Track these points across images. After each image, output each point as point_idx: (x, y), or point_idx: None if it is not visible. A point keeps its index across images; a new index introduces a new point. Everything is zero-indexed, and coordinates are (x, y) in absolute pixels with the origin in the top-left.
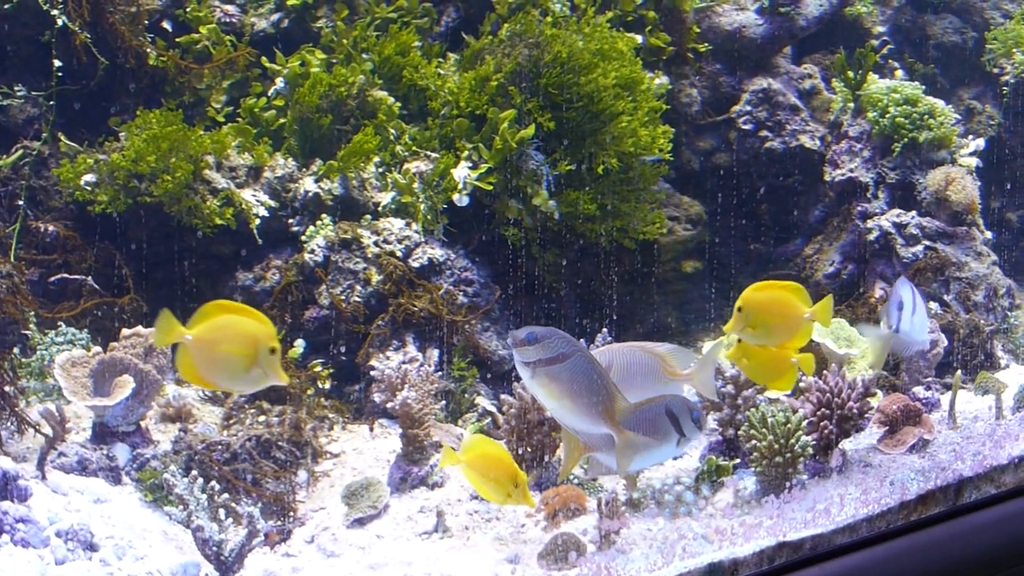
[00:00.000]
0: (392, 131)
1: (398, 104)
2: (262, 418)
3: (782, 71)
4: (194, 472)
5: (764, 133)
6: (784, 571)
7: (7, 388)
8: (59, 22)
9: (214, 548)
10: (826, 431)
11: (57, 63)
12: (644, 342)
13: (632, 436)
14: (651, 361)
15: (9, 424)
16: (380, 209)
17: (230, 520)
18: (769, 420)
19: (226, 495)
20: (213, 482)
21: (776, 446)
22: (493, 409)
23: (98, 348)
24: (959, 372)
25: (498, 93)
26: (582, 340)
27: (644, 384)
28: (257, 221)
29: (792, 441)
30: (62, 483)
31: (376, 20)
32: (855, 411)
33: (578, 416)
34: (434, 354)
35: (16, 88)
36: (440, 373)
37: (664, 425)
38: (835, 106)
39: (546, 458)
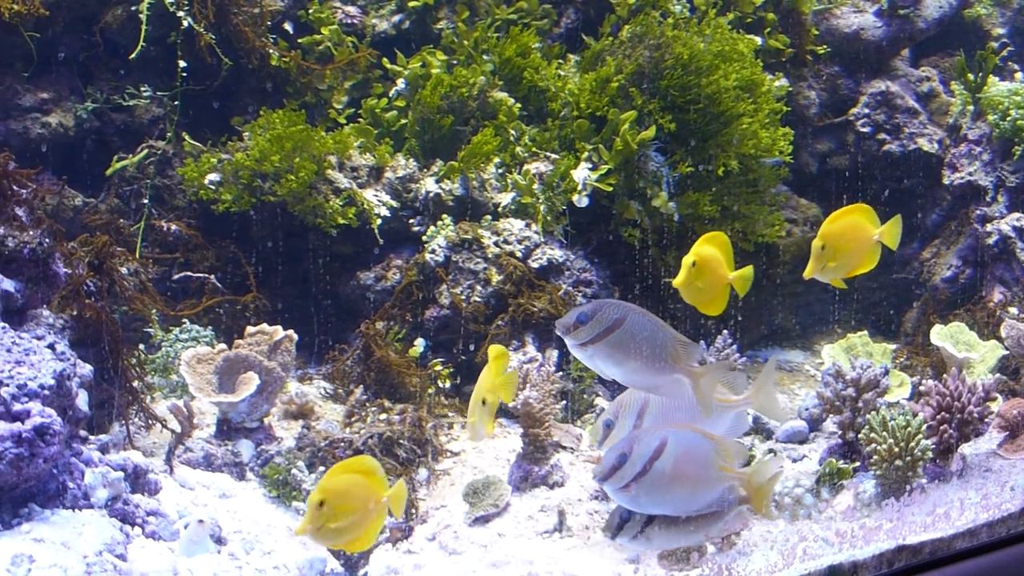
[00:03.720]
0: (512, 132)
1: (518, 105)
2: (383, 416)
3: (900, 74)
4: (322, 468)
5: (882, 136)
6: (903, 575)
7: (135, 383)
8: (185, 23)
9: None
10: (946, 435)
11: (182, 64)
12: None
13: (704, 370)
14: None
15: (136, 419)
16: (500, 210)
17: None
18: (889, 423)
19: None
20: None
21: (896, 449)
22: None
23: (223, 345)
24: None
25: (618, 94)
26: (702, 342)
27: (695, 417)
28: (379, 221)
29: (912, 445)
30: (189, 478)
31: (497, 21)
32: (975, 415)
33: (646, 373)
34: (553, 354)
35: (142, 88)
36: (560, 373)
37: None
38: (954, 109)
39: None
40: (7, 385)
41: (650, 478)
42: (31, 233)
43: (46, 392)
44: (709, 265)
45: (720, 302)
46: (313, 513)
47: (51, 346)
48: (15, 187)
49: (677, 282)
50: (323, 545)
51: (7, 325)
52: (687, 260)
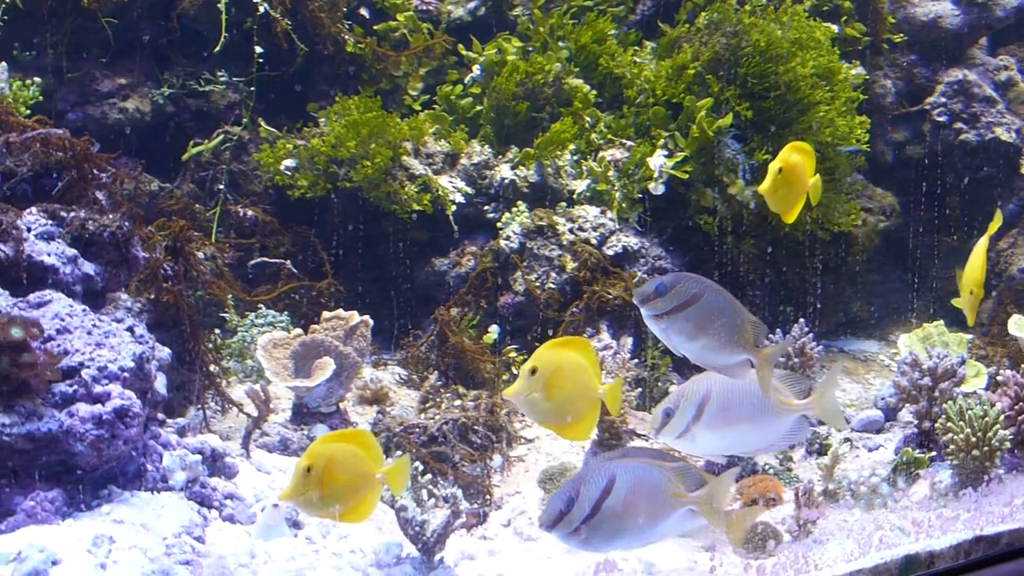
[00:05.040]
0: (588, 119)
1: (594, 92)
2: (458, 402)
3: (978, 62)
4: (398, 453)
5: (959, 125)
6: (980, 565)
7: (211, 368)
8: (261, 9)
9: (416, 528)
10: None
11: (258, 49)
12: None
13: (768, 351)
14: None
15: (213, 403)
16: (575, 196)
17: (432, 501)
18: (967, 413)
19: (428, 476)
20: (418, 463)
21: (973, 439)
22: None
23: (299, 330)
24: None
25: (695, 81)
26: (779, 331)
27: (754, 417)
28: (453, 207)
29: (990, 435)
30: (265, 462)
31: (572, 8)
32: None
33: (716, 352)
34: (628, 342)
35: (219, 74)
36: (635, 361)
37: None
38: None
39: None
40: (88, 367)
41: (600, 519)
42: (111, 217)
43: (126, 375)
44: (795, 172)
45: (797, 209)
46: (299, 478)
47: (130, 329)
48: (95, 171)
49: (763, 188)
50: (309, 514)
51: (87, 308)
52: (773, 166)
